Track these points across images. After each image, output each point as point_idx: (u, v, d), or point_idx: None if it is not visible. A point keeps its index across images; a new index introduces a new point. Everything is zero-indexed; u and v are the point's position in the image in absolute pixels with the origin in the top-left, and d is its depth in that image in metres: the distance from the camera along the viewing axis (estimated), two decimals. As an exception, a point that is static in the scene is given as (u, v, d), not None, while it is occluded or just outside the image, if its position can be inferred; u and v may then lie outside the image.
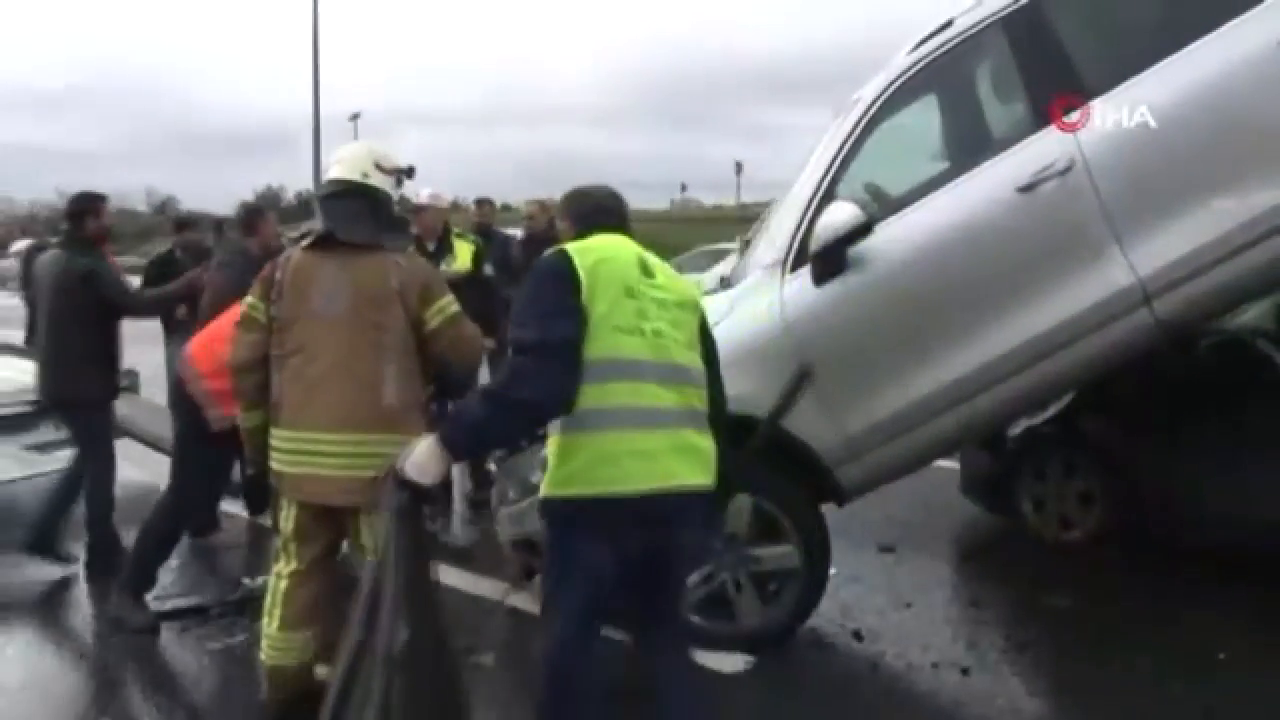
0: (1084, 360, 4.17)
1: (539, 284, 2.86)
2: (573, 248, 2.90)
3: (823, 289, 4.24)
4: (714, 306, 4.57)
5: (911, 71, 4.38)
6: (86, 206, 5.72)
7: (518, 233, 8.88)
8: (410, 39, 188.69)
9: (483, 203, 9.22)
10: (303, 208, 49.83)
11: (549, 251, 2.93)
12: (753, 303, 4.38)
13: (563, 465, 2.82)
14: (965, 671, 4.25)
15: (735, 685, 4.16)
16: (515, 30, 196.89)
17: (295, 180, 77.11)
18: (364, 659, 2.77)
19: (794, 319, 4.27)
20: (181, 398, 4.70)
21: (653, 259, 3.02)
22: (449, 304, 3.67)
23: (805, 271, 4.28)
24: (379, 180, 3.76)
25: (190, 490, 4.82)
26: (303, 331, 3.58)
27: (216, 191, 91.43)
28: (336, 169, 3.78)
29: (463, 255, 6.82)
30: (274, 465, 3.64)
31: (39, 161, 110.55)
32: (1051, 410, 5.76)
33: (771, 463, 4.37)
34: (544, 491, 2.90)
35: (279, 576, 3.71)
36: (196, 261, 8.78)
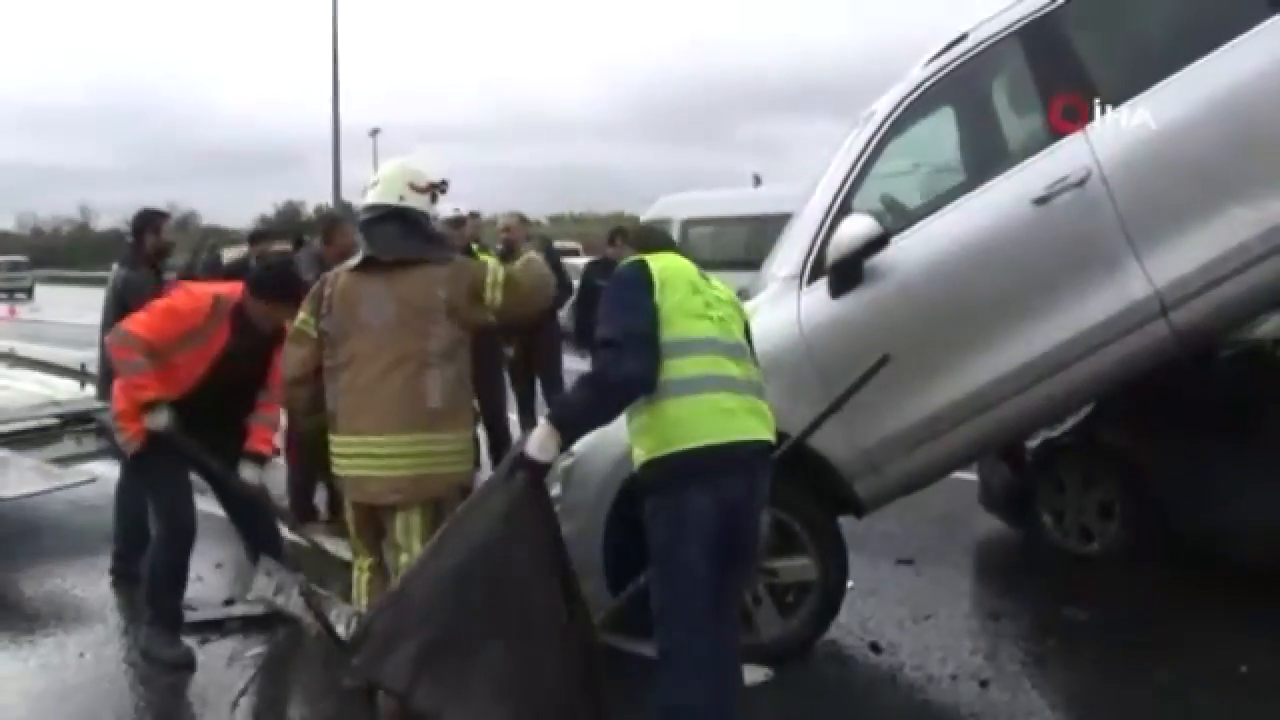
0: (1102, 372, 4.16)
1: (620, 287, 3.26)
2: (646, 256, 3.33)
3: (839, 301, 4.26)
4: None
5: (927, 84, 4.40)
6: (145, 224, 5.86)
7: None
8: (421, 55, 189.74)
9: (473, 215, 9.22)
10: (322, 222, 50.09)
11: (627, 261, 3.35)
12: (770, 315, 4.39)
13: (657, 430, 3.16)
14: (984, 684, 4.24)
15: (754, 697, 4.14)
16: (525, 46, 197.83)
17: (315, 195, 77.49)
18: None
19: (811, 331, 4.28)
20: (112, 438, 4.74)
21: (708, 274, 3.43)
22: (497, 271, 3.97)
23: (822, 284, 4.30)
24: (414, 200, 3.95)
25: (176, 512, 4.53)
26: (353, 345, 3.84)
27: (237, 207, 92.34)
28: (373, 193, 3.96)
29: None
30: (335, 470, 3.94)
31: (60, 179, 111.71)
32: (1070, 422, 5.75)
33: (789, 475, 4.38)
34: (646, 457, 3.20)
35: (360, 570, 4.06)
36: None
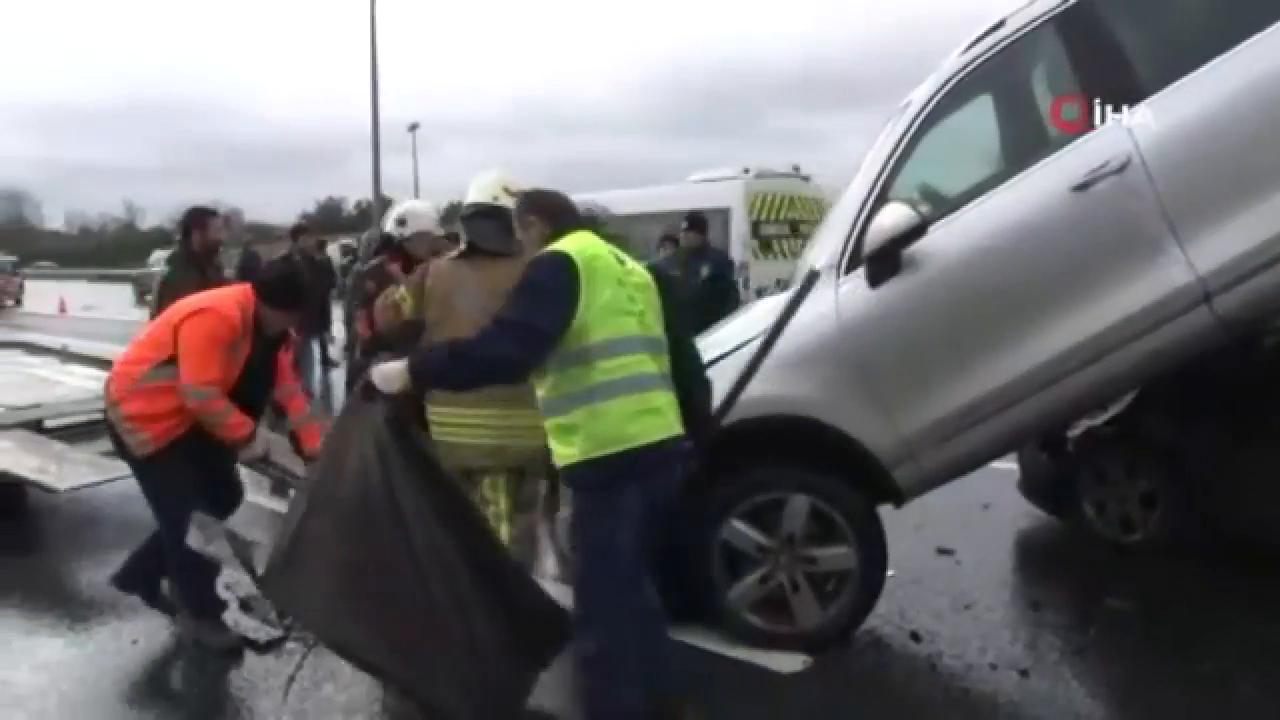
0: (1143, 359, 4.14)
1: (541, 276, 3.29)
2: (569, 249, 3.31)
3: (877, 290, 4.26)
4: (770, 308, 4.64)
5: (964, 72, 4.38)
6: (192, 222, 5.97)
7: None
8: (454, 51, 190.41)
9: None
10: (362, 217, 50.46)
11: (549, 250, 3.34)
12: (807, 305, 4.41)
13: (593, 431, 3.24)
14: (1024, 673, 4.24)
15: (793, 685, 4.19)
16: (554, 41, 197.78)
17: (355, 191, 78.08)
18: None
19: (849, 320, 4.29)
20: (113, 438, 4.65)
21: (617, 250, 3.47)
22: None
23: (860, 273, 4.30)
24: (506, 201, 4.38)
25: (176, 513, 4.41)
26: (449, 328, 4.25)
27: (279, 204, 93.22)
28: (473, 194, 4.53)
29: None
30: (435, 436, 4.35)
31: (106, 178, 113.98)
32: (1112, 410, 5.71)
33: (828, 464, 4.41)
34: (580, 457, 3.26)
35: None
36: (312, 266, 9.09)
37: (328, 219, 71.00)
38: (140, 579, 4.80)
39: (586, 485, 3.33)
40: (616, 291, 3.30)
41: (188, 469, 4.48)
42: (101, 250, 67.67)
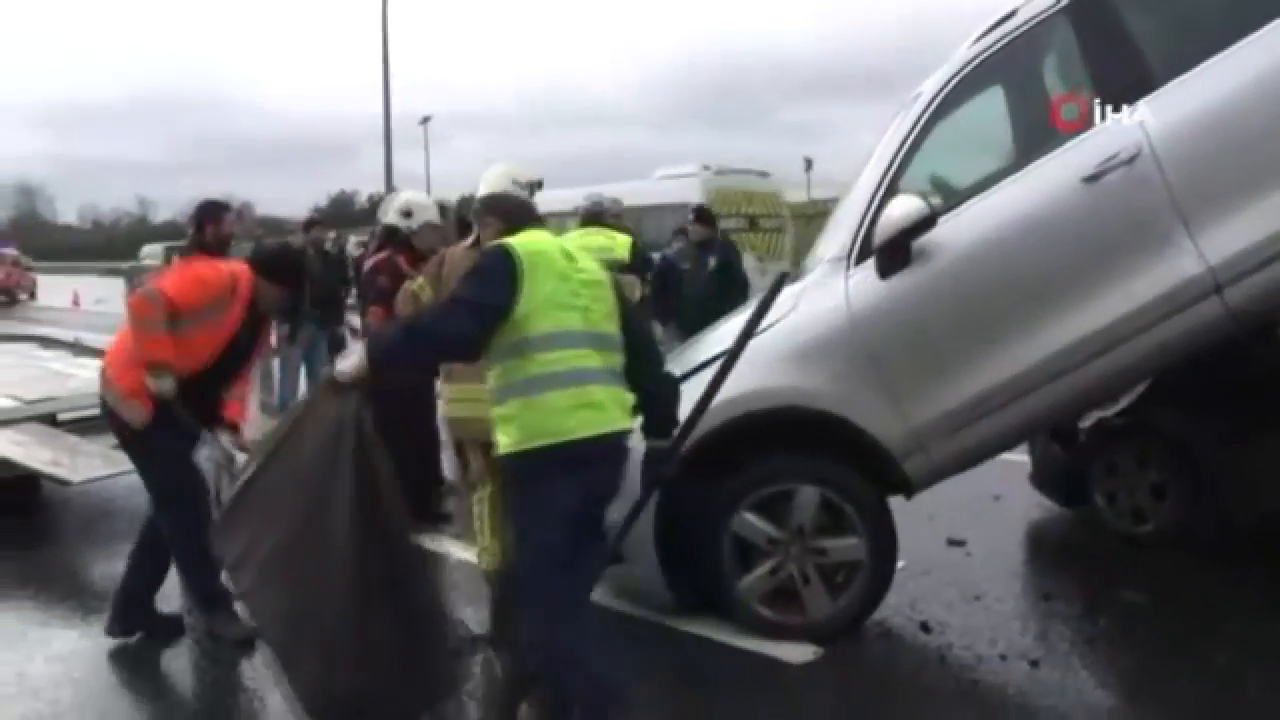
0: (1154, 350, 4.13)
1: (486, 265, 3.36)
2: (513, 242, 3.38)
3: (887, 282, 4.26)
4: (781, 299, 4.63)
5: (974, 63, 4.37)
6: (205, 215, 5.98)
7: None
8: (465, 45, 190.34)
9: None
10: (374, 211, 50.55)
11: (493, 244, 3.45)
12: (818, 296, 4.41)
13: (527, 422, 3.27)
14: (1034, 664, 4.24)
15: (803, 676, 4.20)
16: (564, 34, 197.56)
17: (367, 184, 78.18)
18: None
19: (859, 312, 4.29)
20: (111, 419, 4.62)
21: (570, 247, 3.52)
22: None
23: (870, 265, 4.30)
24: (515, 192, 4.50)
25: (185, 491, 4.51)
26: None
27: (292, 197, 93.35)
28: (483, 187, 4.59)
29: None
30: (451, 414, 4.62)
31: (118, 173, 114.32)
32: (1123, 402, 5.70)
33: (838, 455, 4.41)
34: (515, 448, 3.30)
35: (479, 501, 4.51)
36: (323, 259, 9.14)
37: (340, 213, 71.13)
38: (135, 612, 4.66)
39: (518, 476, 3.38)
40: (559, 285, 3.33)
41: (185, 444, 4.50)
42: (113, 244, 67.81)
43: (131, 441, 4.56)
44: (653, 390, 3.59)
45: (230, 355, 4.57)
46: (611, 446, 3.34)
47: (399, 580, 3.45)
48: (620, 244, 6.79)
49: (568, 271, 3.39)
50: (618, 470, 3.43)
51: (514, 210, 3.78)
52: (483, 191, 4.58)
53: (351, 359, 3.36)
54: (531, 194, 4.60)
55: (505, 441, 3.33)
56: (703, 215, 9.42)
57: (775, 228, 16.21)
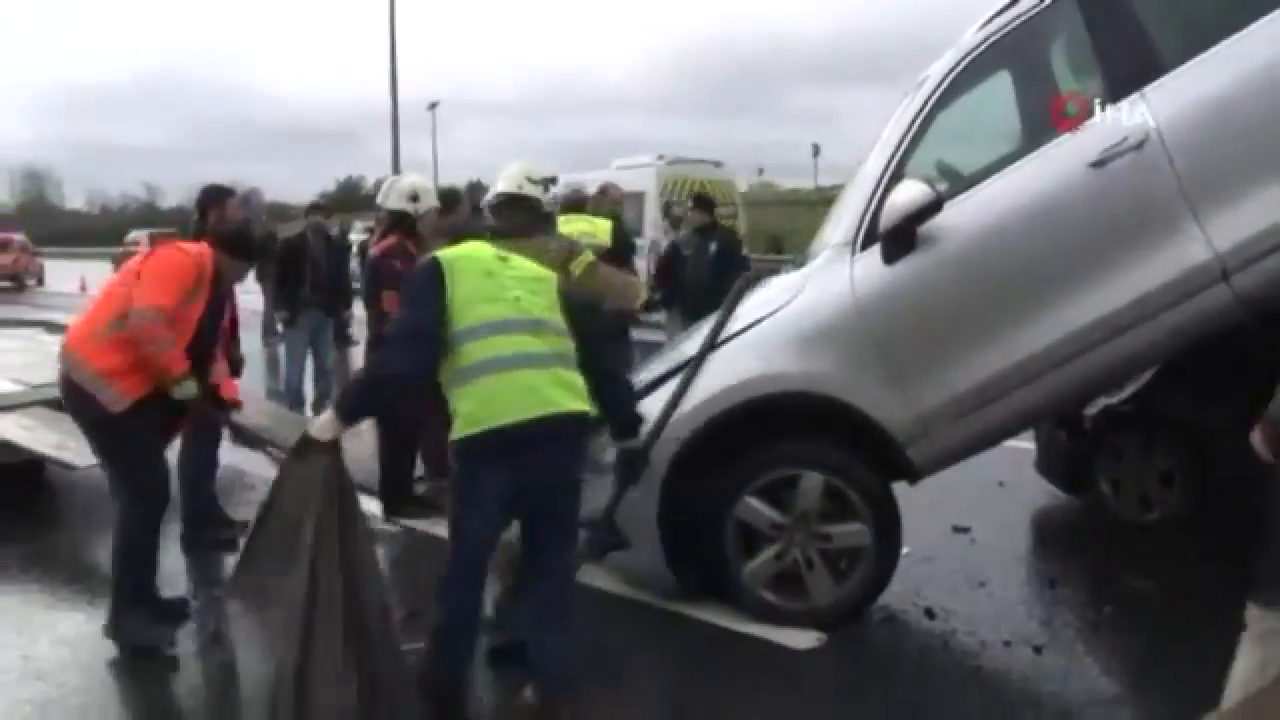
0: (1160, 337, 4.11)
1: (413, 284, 3.65)
2: (440, 252, 3.62)
3: (893, 267, 4.25)
4: (785, 285, 4.63)
5: (981, 48, 4.35)
6: (209, 201, 6.00)
7: None
8: (472, 30, 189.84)
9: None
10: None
11: (425, 258, 3.67)
12: (823, 282, 4.40)
13: (464, 411, 3.40)
14: (1039, 650, 4.24)
15: (807, 662, 4.20)
16: (570, 19, 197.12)
17: (374, 170, 78.15)
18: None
19: (864, 297, 4.28)
20: (79, 401, 4.42)
21: (510, 255, 3.70)
22: (586, 258, 5.21)
23: (876, 250, 4.29)
24: (529, 189, 5.19)
25: (156, 480, 4.44)
26: None
27: (299, 183, 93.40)
28: (500, 184, 5.20)
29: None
30: None
31: (124, 158, 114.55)
32: (1130, 389, 5.68)
33: (843, 440, 4.40)
34: (453, 437, 3.43)
35: None
36: (325, 243, 9.21)
37: (347, 198, 71.07)
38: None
39: (456, 461, 3.48)
40: (483, 281, 3.50)
41: (156, 434, 4.48)
42: (120, 229, 67.89)
43: (102, 427, 4.37)
44: (604, 395, 3.72)
45: (207, 336, 4.61)
46: (550, 428, 3.39)
47: (349, 646, 3.46)
48: (601, 229, 6.98)
49: (494, 269, 3.57)
50: (563, 452, 3.48)
51: (459, 228, 4.29)
52: (500, 188, 5.16)
53: (323, 417, 3.57)
54: (546, 190, 5.20)
55: (452, 434, 3.44)
56: (701, 201, 9.43)
57: (729, 214, 17.00)
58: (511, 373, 3.39)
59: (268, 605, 3.53)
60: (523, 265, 3.68)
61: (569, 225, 6.96)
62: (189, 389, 4.34)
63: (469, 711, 3.73)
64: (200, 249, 4.59)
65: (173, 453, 4.99)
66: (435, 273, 3.50)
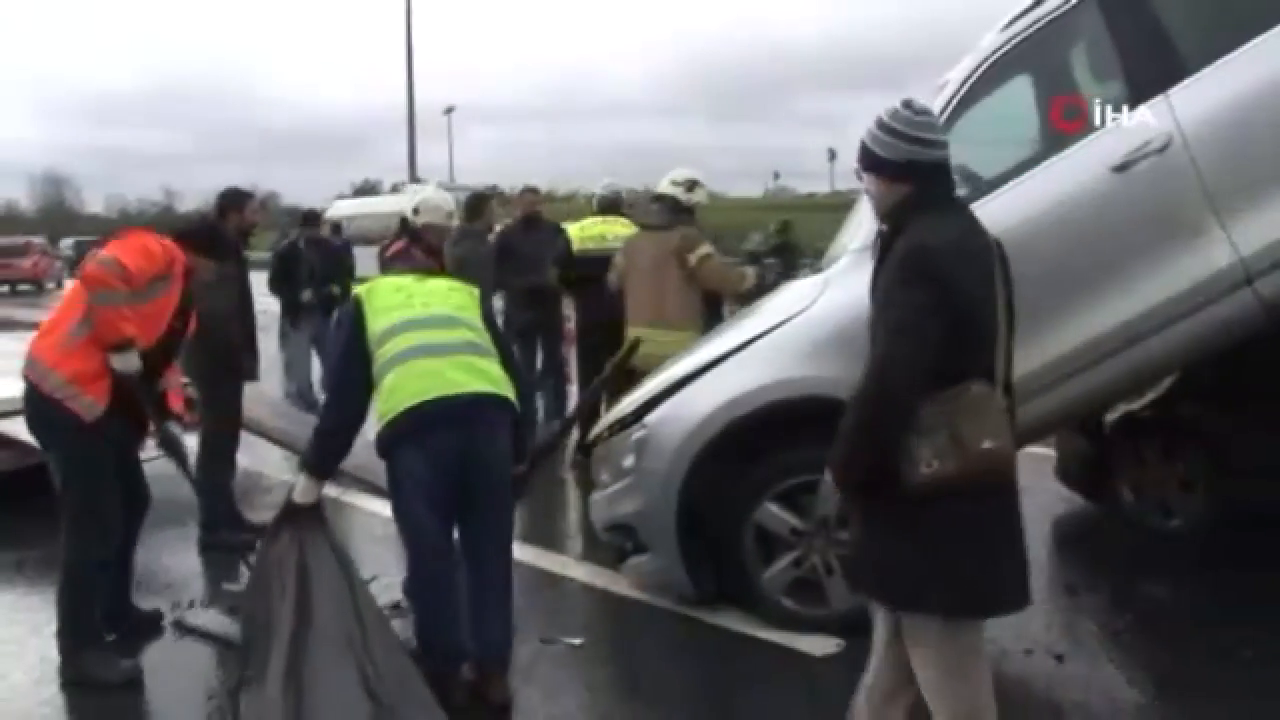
0: (1183, 343, 4.08)
1: (337, 328, 4.13)
2: (359, 288, 4.01)
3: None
4: (803, 290, 4.61)
5: (1001, 51, 4.32)
6: (230, 203, 6.02)
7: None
8: (486, 36, 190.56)
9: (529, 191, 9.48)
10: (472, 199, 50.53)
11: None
12: (843, 286, 4.37)
13: (379, 405, 3.72)
14: (1060, 658, 4.20)
15: (826, 668, 4.17)
16: (583, 25, 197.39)
17: (391, 174, 78.43)
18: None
19: (884, 303, 4.25)
20: (49, 416, 4.16)
21: (426, 275, 4.17)
22: (704, 250, 6.21)
23: (895, 255, 4.26)
24: (669, 189, 6.56)
25: (107, 505, 4.23)
26: (631, 281, 6.44)
27: (316, 187, 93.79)
28: (660, 188, 6.63)
29: None
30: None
31: (144, 163, 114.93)
32: (1151, 395, 5.64)
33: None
34: (377, 431, 3.73)
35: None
36: (320, 253, 9.36)
37: (490, 195, 71.00)
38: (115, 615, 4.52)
39: (381, 455, 3.78)
40: (391, 295, 3.89)
41: (118, 443, 4.24)
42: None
43: (74, 441, 4.11)
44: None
45: (168, 337, 4.37)
46: (451, 408, 3.63)
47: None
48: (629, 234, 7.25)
49: (404, 285, 3.98)
50: (474, 432, 3.68)
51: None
52: (658, 191, 6.63)
53: (300, 483, 3.90)
54: (689, 190, 6.47)
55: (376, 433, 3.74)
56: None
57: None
58: (411, 362, 3.69)
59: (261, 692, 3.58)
60: (437, 283, 4.06)
61: (606, 227, 7.48)
62: (129, 360, 4.02)
63: (503, 693, 3.84)
64: (169, 244, 4.35)
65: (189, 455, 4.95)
66: (353, 307, 3.89)
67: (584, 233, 7.53)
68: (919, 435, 2.50)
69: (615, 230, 7.37)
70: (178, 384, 4.70)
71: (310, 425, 5.88)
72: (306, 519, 3.86)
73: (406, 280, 4.03)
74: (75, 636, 4.16)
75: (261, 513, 6.03)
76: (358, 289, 3.98)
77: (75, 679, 4.11)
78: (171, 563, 5.54)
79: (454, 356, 3.74)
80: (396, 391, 3.66)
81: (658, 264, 6.19)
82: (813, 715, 3.85)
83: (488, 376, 3.76)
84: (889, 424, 2.53)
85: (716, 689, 4.13)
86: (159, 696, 4.14)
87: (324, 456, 3.94)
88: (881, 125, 2.66)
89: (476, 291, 4.13)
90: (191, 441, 5.18)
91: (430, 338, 3.76)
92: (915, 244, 2.61)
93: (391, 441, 3.69)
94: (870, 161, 2.71)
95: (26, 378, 4.18)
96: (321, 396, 8.55)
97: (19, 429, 6.20)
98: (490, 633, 3.84)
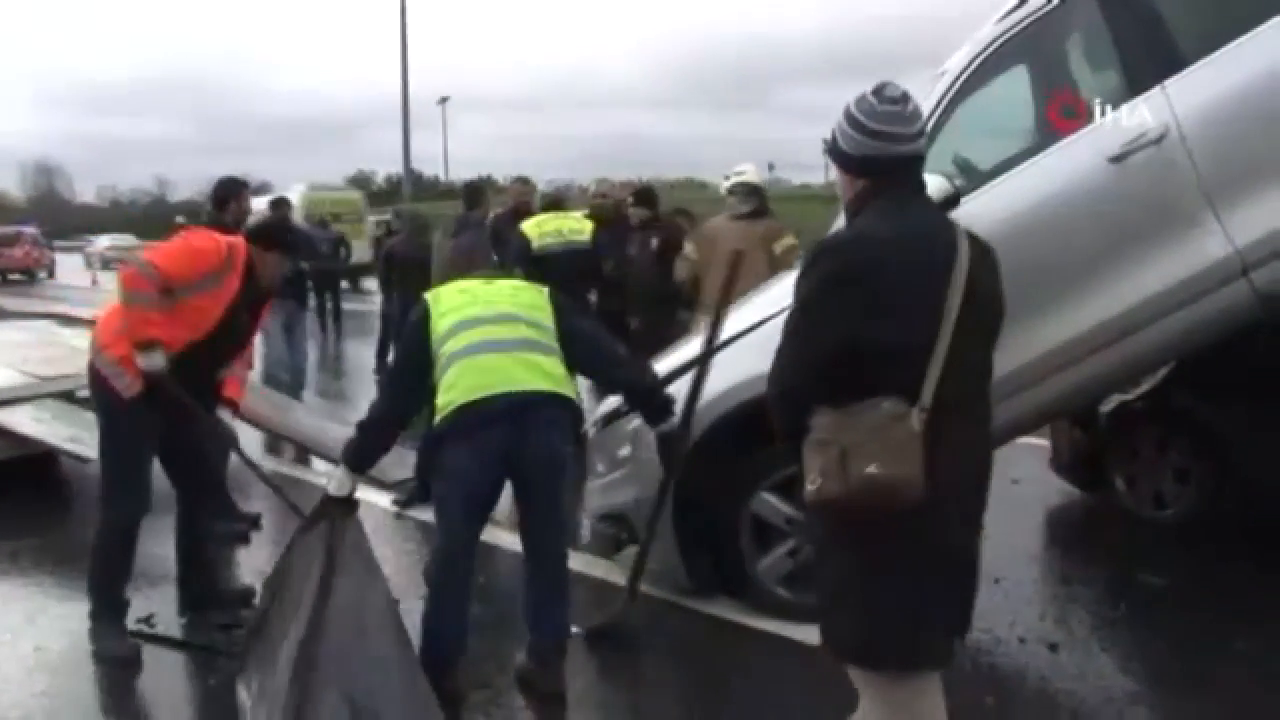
0: (1178, 334, 4.08)
1: (406, 327, 4.03)
2: (427, 294, 4.03)
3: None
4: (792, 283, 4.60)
5: (999, 42, 4.31)
6: (230, 192, 6.04)
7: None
8: (475, 27, 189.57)
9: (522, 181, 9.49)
10: (392, 191, 50.61)
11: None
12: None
13: (439, 401, 3.69)
14: (1053, 648, 4.22)
15: (821, 657, 4.16)
16: (570, 17, 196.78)
17: (385, 164, 78.27)
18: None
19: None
20: (98, 386, 4.40)
21: (496, 281, 4.11)
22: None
23: (892, 245, 4.25)
24: (752, 177, 6.93)
25: (135, 485, 4.34)
26: (713, 266, 6.34)
27: (308, 177, 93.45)
28: (744, 176, 6.90)
29: None
30: None
31: (136, 153, 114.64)
32: (1145, 386, 5.65)
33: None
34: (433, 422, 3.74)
35: None
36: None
37: (486, 186, 70.88)
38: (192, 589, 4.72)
39: (433, 452, 3.77)
40: (455, 297, 3.91)
41: (157, 426, 4.34)
42: (131, 223, 67.95)
43: (114, 413, 4.33)
44: (617, 377, 4.25)
45: (229, 330, 4.44)
46: (512, 405, 3.63)
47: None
48: (588, 227, 7.65)
49: (468, 287, 3.98)
50: (530, 429, 3.67)
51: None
52: (741, 179, 6.84)
53: (337, 475, 3.93)
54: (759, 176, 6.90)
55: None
56: (640, 196, 9.29)
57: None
58: (475, 357, 3.69)
59: (272, 673, 3.57)
60: (500, 283, 4.07)
61: (561, 222, 7.56)
62: (153, 360, 4.15)
63: (463, 688, 3.81)
64: (234, 240, 4.51)
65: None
66: (422, 310, 3.90)
67: (541, 229, 7.55)
68: (812, 448, 2.34)
69: (570, 225, 7.59)
70: (243, 373, 4.80)
71: (291, 409, 5.93)
72: (340, 511, 3.87)
73: (473, 283, 4.04)
74: (94, 601, 4.34)
75: (255, 503, 6.05)
76: (426, 294, 4.02)
77: (95, 647, 4.28)
78: (164, 550, 5.52)
79: (514, 353, 3.74)
80: (453, 387, 3.66)
81: (750, 247, 6.13)
82: (807, 704, 3.85)
83: (546, 373, 3.75)
84: (786, 433, 2.43)
85: (711, 678, 4.15)
86: (156, 686, 4.14)
87: (364, 451, 3.95)
88: (847, 115, 2.49)
89: (547, 290, 4.07)
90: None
91: (494, 334, 3.77)
92: (824, 241, 2.52)
93: (442, 436, 3.69)
94: (832, 153, 2.57)
95: (90, 352, 4.48)
96: (286, 378, 8.64)
97: (13, 419, 6.24)
98: (552, 619, 3.89)
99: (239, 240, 4.52)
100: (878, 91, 2.47)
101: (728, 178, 7.14)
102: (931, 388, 2.31)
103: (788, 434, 2.41)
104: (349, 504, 3.90)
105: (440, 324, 3.81)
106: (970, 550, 2.51)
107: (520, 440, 3.66)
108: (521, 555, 3.94)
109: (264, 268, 4.50)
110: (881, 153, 2.46)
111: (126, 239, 42.60)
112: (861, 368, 2.33)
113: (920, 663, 2.46)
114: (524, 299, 3.97)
